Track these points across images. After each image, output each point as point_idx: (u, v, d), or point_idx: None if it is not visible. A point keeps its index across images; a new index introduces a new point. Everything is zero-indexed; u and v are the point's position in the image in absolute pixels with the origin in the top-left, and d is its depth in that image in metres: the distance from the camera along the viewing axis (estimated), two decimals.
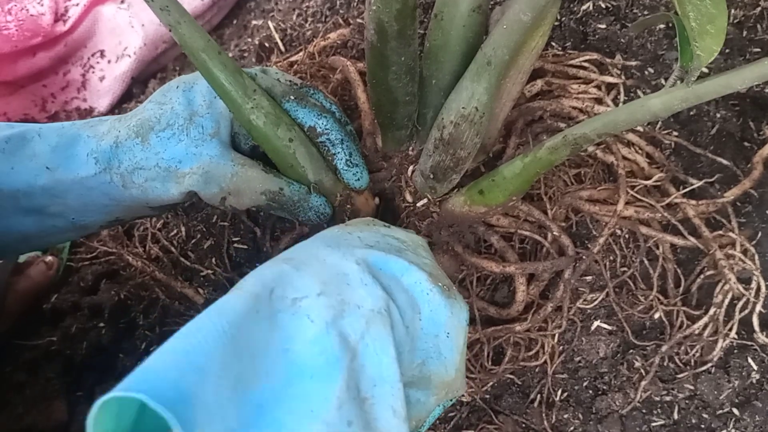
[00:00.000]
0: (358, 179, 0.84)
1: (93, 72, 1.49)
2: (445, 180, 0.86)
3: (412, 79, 0.81)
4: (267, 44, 1.30)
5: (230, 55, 1.38)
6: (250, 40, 1.40)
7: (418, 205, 0.91)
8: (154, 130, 0.79)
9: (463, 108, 0.76)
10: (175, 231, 1.09)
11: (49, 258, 1.17)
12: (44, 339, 1.10)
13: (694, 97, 0.65)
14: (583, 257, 0.93)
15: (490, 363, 0.94)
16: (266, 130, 0.76)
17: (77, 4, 1.44)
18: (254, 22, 1.53)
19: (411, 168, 0.92)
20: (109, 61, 1.49)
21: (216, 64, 0.71)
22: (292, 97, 0.81)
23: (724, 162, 1.04)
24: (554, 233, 0.93)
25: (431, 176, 0.85)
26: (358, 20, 1.19)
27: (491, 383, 0.95)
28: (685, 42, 0.66)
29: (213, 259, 1.04)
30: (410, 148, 0.93)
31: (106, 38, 1.49)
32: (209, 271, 1.03)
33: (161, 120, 0.79)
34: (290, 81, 0.86)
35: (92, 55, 1.50)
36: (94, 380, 1.06)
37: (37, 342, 1.10)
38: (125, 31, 1.48)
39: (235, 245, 1.05)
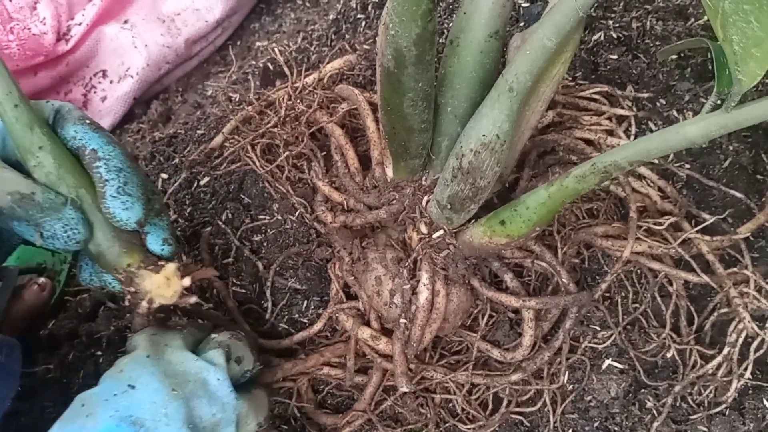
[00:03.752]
0: (127, 208, 0.72)
1: (95, 92, 1.47)
2: (462, 210, 0.83)
3: (428, 106, 0.78)
4: (271, 67, 1.29)
5: (234, 77, 1.37)
6: (254, 62, 1.39)
7: (434, 236, 0.88)
8: None
9: (483, 136, 0.74)
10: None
11: (42, 279, 1.14)
12: (40, 366, 1.08)
13: (734, 124, 0.63)
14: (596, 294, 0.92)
15: (489, 408, 0.93)
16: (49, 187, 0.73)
17: (80, 24, 1.43)
18: (258, 43, 1.52)
19: (426, 198, 0.89)
20: (111, 82, 1.47)
21: (9, 117, 0.71)
22: (87, 122, 0.76)
23: (737, 195, 1.03)
24: (563, 280, 0.92)
25: (448, 206, 0.83)
26: (365, 46, 1.18)
27: (497, 424, 0.92)
28: (722, 67, 0.64)
29: (215, 291, 1.01)
30: (424, 178, 0.90)
31: (109, 58, 1.47)
32: (209, 305, 1.00)
33: None
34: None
35: (94, 75, 1.48)
36: None
37: (33, 369, 1.08)
38: (128, 52, 1.46)
39: (234, 288, 1.02)
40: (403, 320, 0.87)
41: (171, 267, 0.75)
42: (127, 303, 0.76)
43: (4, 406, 0.85)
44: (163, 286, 0.75)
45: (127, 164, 0.74)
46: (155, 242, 0.78)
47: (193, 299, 0.78)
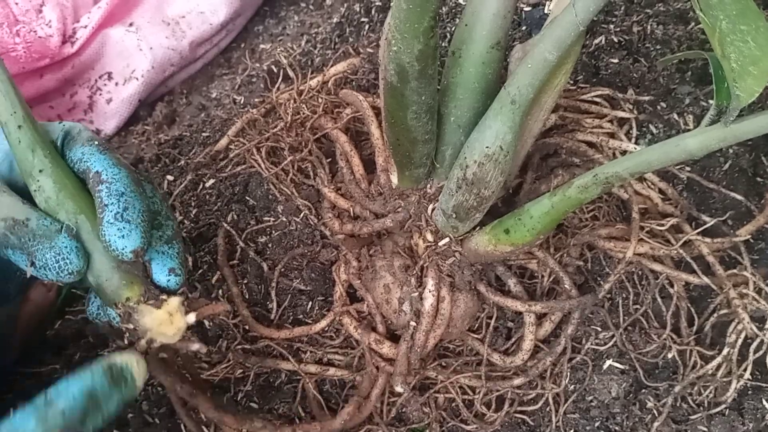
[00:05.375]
0: (123, 236, 0.65)
1: (100, 94, 1.48)
2: (467, 219, 0.84)
3: (431, 118, 0.79)
4: (275, 69, 1.30)
5: (238, 80, 1.38)
6: (258, 65, 1.40)
7: (440, 244, 0.89)
8: None
9: (487, 147, 0.75)
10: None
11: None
12: (47, 366, 1.09)
13: (733, 137, 0.64)
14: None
15: (490, 410, 0.94)
16: (47, 213, 0.68)
17: (85, 26, 1.44)
18: (262, 46, 1.53)
19: (431, 206, 0.90)
20: (116, 84, 1.48)
21: (13, 139, 0.69)
22: (95, 143, 0.71)
23: (738, 197, 1.04)
24: (566, 286, 0.93)
25: (453, 215, 0.84)
26: (368, 49, 1.19)
27: (499, 422, 0.93)
28: (720, 81, 0.65)
29: (220, 291, 1.03)
30: (428, 186, 0.91)
31: (114, 60, 1.48)
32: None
33: None
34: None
35: (100, 77, 1.49)
36: None
37: (39, 369, 1.09)
38: (133, 54, 1.47)
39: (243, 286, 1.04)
40: (413, 323, 0.89)
41: (174, 301, 0.67)
42: (126, 342, 0.68)
43: None
44: (165, 323, 0.66)
45: (131, 188, 0.69)
46: (161, 272, 0.71)
47: (197, 346, 0.68)
